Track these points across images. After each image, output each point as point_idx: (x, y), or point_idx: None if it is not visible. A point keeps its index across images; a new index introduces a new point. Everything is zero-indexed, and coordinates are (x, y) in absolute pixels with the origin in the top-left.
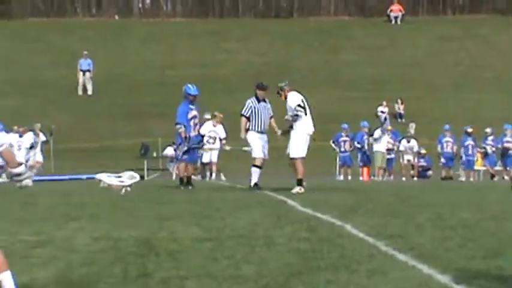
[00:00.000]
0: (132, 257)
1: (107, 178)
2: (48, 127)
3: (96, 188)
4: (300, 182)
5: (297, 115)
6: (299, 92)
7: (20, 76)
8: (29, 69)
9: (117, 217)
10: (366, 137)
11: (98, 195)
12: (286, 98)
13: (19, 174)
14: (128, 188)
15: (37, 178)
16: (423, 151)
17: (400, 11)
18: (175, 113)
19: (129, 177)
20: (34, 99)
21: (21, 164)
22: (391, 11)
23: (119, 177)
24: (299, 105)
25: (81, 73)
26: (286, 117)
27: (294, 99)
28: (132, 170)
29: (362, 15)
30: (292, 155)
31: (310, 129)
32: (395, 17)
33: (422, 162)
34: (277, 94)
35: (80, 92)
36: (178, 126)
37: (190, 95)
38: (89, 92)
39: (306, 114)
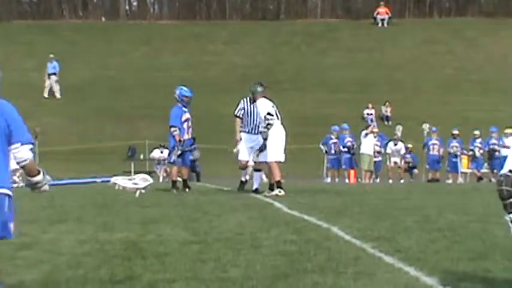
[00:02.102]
0: (119, 260)
1: (121, 181)
2: (33, 129)
3: (81, 190)
4: (279, 185)
5: (269, 124)
6: (270, 100)
7: (5, 78)
8: (15, 72)
9: (104, 220)
10: (347, 139)
11: (83, 198)
12: (255, 101)
13: (38, 182)
14: (143, 191)
15: (53, 182)
16: (409, 145)
17: (387, 13)
18: (166, 115)
19: (142, 180)
20: (20, 101)
21: (39, 171)
22: (377, 13)
23: (132, 179)
24: (269, 113)
25: (48, 76)
26: (261, 129)
27: (263, 106)
28: (147, 173)
29: (349, 17)
30: (273, 159)
31: (283, 132)
32: (382, 20)
33: (409, 159)
34: (251, 95)
35: (50, 94)
36: (173, 129)
37: (186, 96)
38: (58, 95)
39: (278, 118)
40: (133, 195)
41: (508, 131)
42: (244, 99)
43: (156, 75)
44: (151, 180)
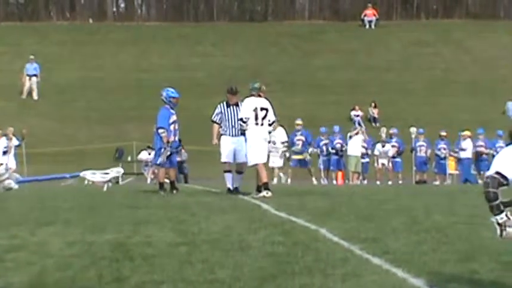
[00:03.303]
0: (107, 262)
1: (90, 175)
2: (20, 131)
3: (70, 192)
4: (266, 186)
5: (241, 128)
6: (266, 98)
7: None
8: (2, 74)
9: (92, 221)
10: (337, 141)
11: (72, 200)
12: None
13: None
14: (109, 184)
15: (22, 179)
16: (392, 131)
17: (374, 15)
18: (154, 117)
19: (115, 172)
20: (7, 103)
21: (1, 164)
22: (365, 15)
23: (106, 174)
24: (241, 120)
25: (27, 78)
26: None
27: (243, 108)
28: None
29: (336, 19)
30: (252, 162)
31: (264, 134)
32: (370, 21)
33: (394, 142)
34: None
35: (24, 96)
36: (161, 130)
37: (174, 97)
38: (35, 97)
39: (257, 124)
40: (121, 197)
41: (465, 133)
42: (221, 104)
43: (144, 76)
44: (122, 171)
